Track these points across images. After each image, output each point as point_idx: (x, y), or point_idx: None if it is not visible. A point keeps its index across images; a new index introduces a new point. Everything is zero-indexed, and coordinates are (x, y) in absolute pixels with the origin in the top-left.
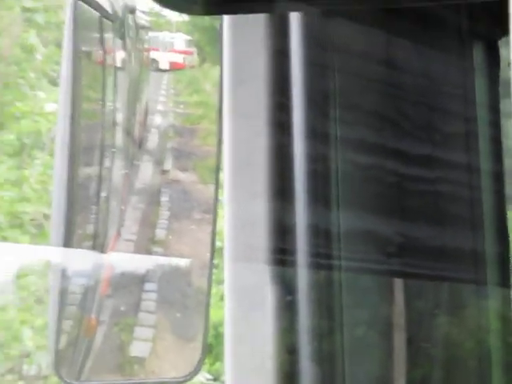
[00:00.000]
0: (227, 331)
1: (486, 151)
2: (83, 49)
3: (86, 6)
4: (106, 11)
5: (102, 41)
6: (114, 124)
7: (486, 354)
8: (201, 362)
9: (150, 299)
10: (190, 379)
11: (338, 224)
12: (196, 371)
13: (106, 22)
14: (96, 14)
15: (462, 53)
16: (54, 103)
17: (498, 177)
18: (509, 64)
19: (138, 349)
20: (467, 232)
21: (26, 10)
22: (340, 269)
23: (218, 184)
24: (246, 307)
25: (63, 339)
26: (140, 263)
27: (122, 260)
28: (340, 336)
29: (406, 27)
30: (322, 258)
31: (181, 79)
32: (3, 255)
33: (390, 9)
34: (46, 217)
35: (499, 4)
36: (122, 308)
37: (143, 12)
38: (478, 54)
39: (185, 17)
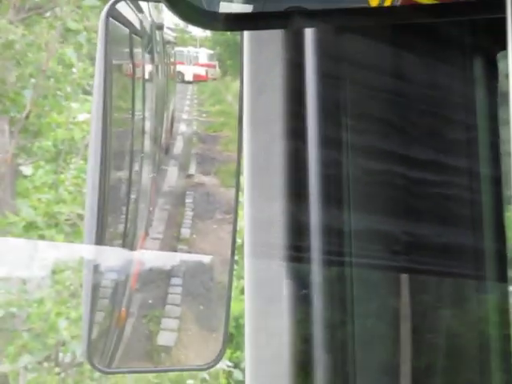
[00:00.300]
0: (247, 322)
1: (485, 156)
2: (114, 62)
3: (116, 23)
4: (136, 28)
5: (131, 55)
6: (143, 131)
7: (486, 343)
8: (222, 351)
9: (175, 293)
10: (212, 367)
11: (349, 224)
12: (218, 359)
13: (136, 37)
14: (126, 30)
15: (463, 66)
16: (86, 113)
17: (497, 180)
18: (506, 76)
19: (164, 338)
20: (468, 231)
21: (67, 30)
22: (351, 265)
23: (238, 187)
24: (264, 300)
25: (96, 330)
26: (166, 260)
27: (150, 257)
28: (351, 327)
29: (412, 42)
30: (334, 255)
31: (204, 90)
32: (41, 252)
33: (397, 25)
34: (80, 217)
35: (498, 20)
36: (150, 301)
37: (170, 28)
38: (478, 67)
39: (208, 33)
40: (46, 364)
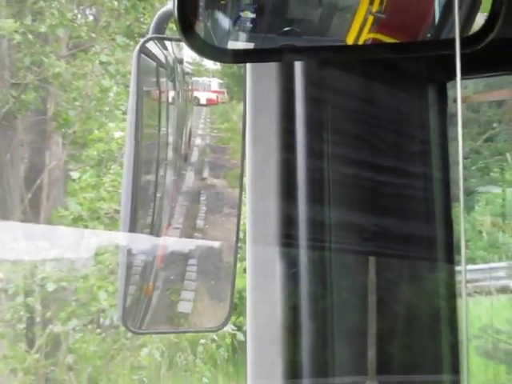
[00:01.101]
0: (248, 295)
1: (437, 165)
2: (145, 89)
3: (146, 58)
4: (162, 61)
5: (158, 83)
6: (166, 144)
7: (436, 312)
8: (228, 317)
9: (192, 271)
10: (220, 329)
11: (328, 217)
12: (225, 324)
13: (162, 69)
14: (154, 63)
15: (419, 93)
16: (121, 131)
17: (446, 183)
18: (454, 101)
19: (183, 307)
20: (423, 223)
21: (102, 63)
22: (330, 249)
23: (241, 188)
24: (261, 277)
25: (129, 299)
26: (185, 245)
27: (172, 242)
28: (330, 299)
29: (379, 73)
30: (317, 242)
31: (215, 111)
32: (86, 239)
33: (368, 59)
34: (117, 211)
35: (447, 56)
36: (172, 277)
37: (188, 62)
38: (431, 94)
39: (218, 65)
40: (89, 326)
